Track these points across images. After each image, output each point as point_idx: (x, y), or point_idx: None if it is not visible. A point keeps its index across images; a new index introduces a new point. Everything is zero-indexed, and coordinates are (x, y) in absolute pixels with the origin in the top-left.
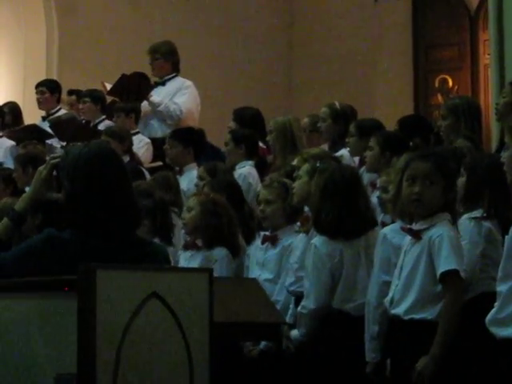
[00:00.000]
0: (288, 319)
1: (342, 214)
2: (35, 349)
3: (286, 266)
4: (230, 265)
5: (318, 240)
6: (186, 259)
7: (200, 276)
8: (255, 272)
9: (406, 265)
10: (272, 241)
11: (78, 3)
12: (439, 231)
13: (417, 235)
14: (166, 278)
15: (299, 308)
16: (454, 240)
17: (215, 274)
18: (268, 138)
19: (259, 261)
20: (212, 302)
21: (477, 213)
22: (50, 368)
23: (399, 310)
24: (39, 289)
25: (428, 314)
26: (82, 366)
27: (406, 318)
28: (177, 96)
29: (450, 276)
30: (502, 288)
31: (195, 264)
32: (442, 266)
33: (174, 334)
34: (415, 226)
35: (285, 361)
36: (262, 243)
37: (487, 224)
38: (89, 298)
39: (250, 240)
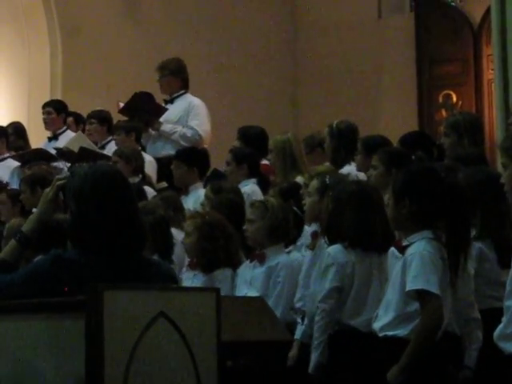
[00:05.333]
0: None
1: (367, 224)
2: (44, 368)
3: (273, 286)
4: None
5: (332, 249)
6: (190, 278)
7: (207, 295)
8: (242, 290)
9: (391, 281)
10: (260, 259)
11: (81, 24)
12: (413, 249)
13: (402, 248)
14: (173, 298)
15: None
16: (426, 258)
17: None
18: (269, 157)
19: (247, 279)
20: (219, 322)
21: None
22: None
23: (376, 326)
24: (47, 310)
25: (400, 331)
26: None
27: (381, 334)
28: (190, 118)
29: (422, 294)
30: (509, 303)
31: (198, 283)
32: (408, 285)
33: (181, 353)
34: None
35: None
36: (251, 261)
37: (478, 244)
38: (96, 319)
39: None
